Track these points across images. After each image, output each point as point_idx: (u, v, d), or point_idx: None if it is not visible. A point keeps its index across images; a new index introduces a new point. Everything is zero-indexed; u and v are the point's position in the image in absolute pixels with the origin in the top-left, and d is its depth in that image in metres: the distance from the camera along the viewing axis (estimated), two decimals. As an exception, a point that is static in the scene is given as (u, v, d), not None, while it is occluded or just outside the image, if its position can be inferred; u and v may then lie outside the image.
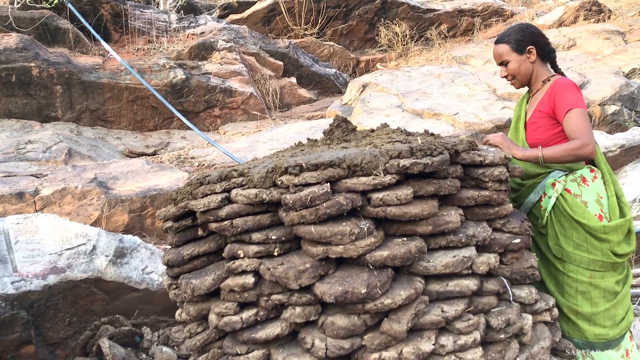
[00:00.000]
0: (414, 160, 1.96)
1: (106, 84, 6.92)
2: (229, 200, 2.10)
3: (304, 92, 8.80)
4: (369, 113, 6.58)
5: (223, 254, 2.15)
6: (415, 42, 11.39)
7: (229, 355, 2.10)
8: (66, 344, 4.46)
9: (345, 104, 7.70)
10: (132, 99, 7.13)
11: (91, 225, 4.72)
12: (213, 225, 2.09)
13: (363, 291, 1.83)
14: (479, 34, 11.41)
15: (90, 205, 4.86)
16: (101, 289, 4.40)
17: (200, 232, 2.25)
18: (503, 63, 2.62)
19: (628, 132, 6.02)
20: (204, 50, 7.92)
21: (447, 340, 1.93)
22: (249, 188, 2.05)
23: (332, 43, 10.59)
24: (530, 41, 2.58)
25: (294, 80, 8.74)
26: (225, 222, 2.05)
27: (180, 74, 7.32)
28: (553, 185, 2.48)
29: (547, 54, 2.63)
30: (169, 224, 2.28)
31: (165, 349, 4.07)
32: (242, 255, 2.04)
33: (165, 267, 2.29)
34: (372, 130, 2.48)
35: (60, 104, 6.81)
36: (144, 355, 4.29)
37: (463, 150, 2.14)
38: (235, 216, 2.05)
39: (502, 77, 2.67)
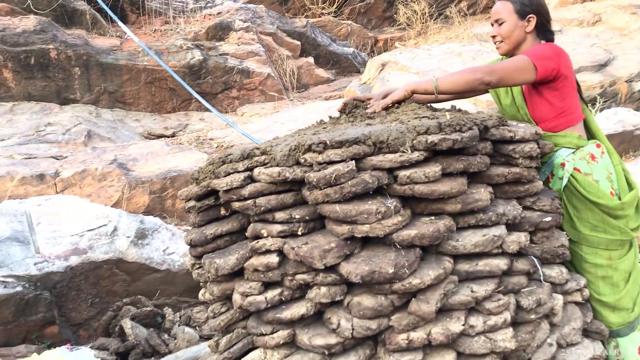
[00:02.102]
0: (442, 136, 1.90)
1: (124, 65, 6.91)
2: (251, 179, 2.06)
3: (321, 72, 8.72)
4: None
5: (246, 234, 2.11)
6: (435, 20, 11.20)
7: (254, 335, 2.07)
8: (89, 324, 4.50)
9: (364, 83, 7.61)
10: (150, 80, 7.12)
11: (111, 206, 4.73)
12: (236, 205, 2.06)
13: (390, 271, 1.79)
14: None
15: (111, 186, 4.87)
16: (123, 270, 4.42)
17: (222, 212, 2.22)
18: (498, 21, 2.45)
19: (656, 110, 5.87)
20: (221, 31, 7.86)
21: (476, 321, 1.88)
22: (271, 166, 2.01)
23: (349, 22, 10.46)
24: (534, 10, 2.42)
25: (311, 60, 8.66)
26: (249, 201, 2.01)
27: (197, 55, 7.28)
28: (562, 165, 2.36)
29: (545, 30, 2.48)
30: (192, 203, 2.24)
31: (187, 329, 4.08)
32: (265, 235, 2.01)
33: (188, 247, 2.26)
34: (398, 107, 2.41)
35: (78, 86, 6.82)
36: (165, 336, 4.31)
37: (493, 126, 2.07)
38: (258, 195, 2.01)
39: (491, 36, 2.51)
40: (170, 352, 4.08)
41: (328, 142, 1.90)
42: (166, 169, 5.13)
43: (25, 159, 5.13)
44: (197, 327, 4.33)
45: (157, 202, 5.05)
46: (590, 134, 2.50)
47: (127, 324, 4.05)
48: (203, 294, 2.33)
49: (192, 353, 3.90)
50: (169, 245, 4.64)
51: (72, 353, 3.78)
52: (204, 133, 6.09)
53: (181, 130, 6.92)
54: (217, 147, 5.63)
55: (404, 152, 1.90)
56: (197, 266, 2.28)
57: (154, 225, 4.66)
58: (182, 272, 4.60)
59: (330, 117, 2.61)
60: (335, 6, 10.16)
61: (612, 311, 2.28)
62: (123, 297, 4.46)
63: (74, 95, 6.85)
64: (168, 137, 6.54)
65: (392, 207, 1.87)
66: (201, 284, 2.38)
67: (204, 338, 4.18)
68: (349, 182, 1.84)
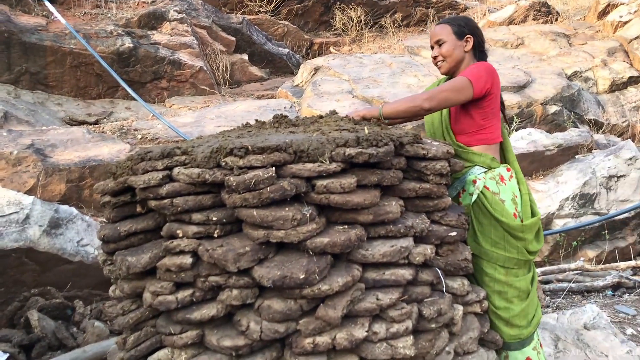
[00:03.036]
0: (359, 150, 1.98)
1: (49, 46, 6.63)
2: (170, 179, 2.06)
3: (255, 70, 8.70)
4: (319, 97, 6.57)
5: (161, 233, 2.11)
6: (370, 28, 11.42)
7: (162, 334, 2.07)
8: (-8, 314, 4.29)
9: (297, 85, 7.67)
10: (76, 64, 6.86)
11: (25, 193, 4.54)
12: (153, 203, 2.05)
13: (301, 276, 1.84)
14: (432, 25, 11.55)
15: (26, 172, 4.68)
16: (33, 260, 4.26)
17: (138, 209, 2.20)
18: (439, 43, 2.62)
19: (566, 133, 6.27)
20: (154, 20, 7.69)
21: (380, 328, 1.97)
22: (192, 167, 2.02)
23: (286, 22, 10.48)
24: (470, 31, 2.62)
25: (245, 57, 8.62)
26: (166, 201, 2.01)
27: (128, 42, 7.09)
28: (474, 182, 2.52)
29: (480, 50, 2.67)
30: (107, 198, 2.22)
31: (97, 323, 3.99)
32: (181, 235, 2.01)
33: (100, 242, 2.22)
34: (321, 117, 2.48)
35: (-3, 63, 6.49)
36: (75, 329, 4.19)
37: (407, 143, 2.17)
38: (176, 195, 2.02)
39: (433, 58, 2.67)
40: (78, 346, 3.97)
41: (250, 147, 1.94)
42: (86, 157, 4.98)
43: None
44: (108, 322, 4.23)
45: (74, 191, 4.89)
46: (504, 159, 2.67)
47: (33, 316, 3.92)
48: (114, 290, 2.30)
49: (101, 348, 3.82)
50: (84, 237, 4.51)
51: (-29, 345, 3.61)
52: (128, 123, 5.94)
53: (105, 117, 6.72)
54: (141, 138, 5.51)
55: (322, 162, 1.96)
56: (109, 262, 2.25)
57: (69, 215, 4.52)
58: (96, 264, 4.49)
59: (257, 121, 2.65)
60: (272, 5, 10.16)
61: (505, 325, 2.45)
62: (31, 288, 4.30)
63: (-8, 73, 6.51)
64: (91, 124, 6.33)
65: (308, 215, 1.92)
66: (112, 280, 2.35)
67: (114, 333, 4.09)
68: (268, 188, 1.89)
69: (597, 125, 7.55)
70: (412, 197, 2.19)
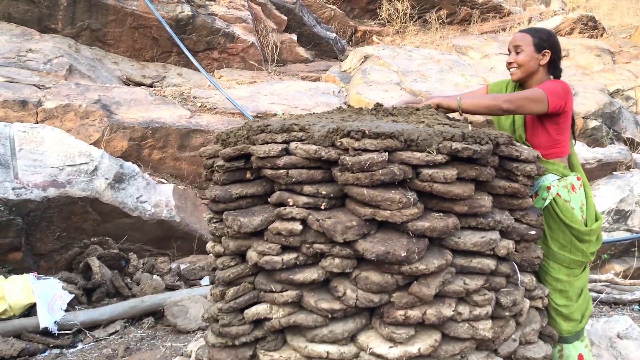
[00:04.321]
0: (465, 145, 2.15)
1: (112, 5, 6.80)
2: (286, 152, 2.25)
3: (302, 51, 8.84)
4: (368, 85, 6.73)
5: (269, 199, 2.30)
6: (414, 22, 11.50)
7: (261, 290, 2.27)
8: (51, 257, 4.55)
9: (344, 71, 7.81)
10: (135, 26, 7.04)
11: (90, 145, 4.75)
12: (268, 172, 2.24)
13: (403, 254, 2.03)
14: (475, 26, 11.61)
15: (92, 126, 4.89)
16: (96, 210, 4.49)
17: (248, 175, 2.39)
18: (517, 50, 2.74)
19: (606, 149, 6.39)
20: (213, -9, 7.84)
21: (464, 309, 2.17)
22: (308, 144, 2.20)
23: (334, 7, 10.59)
24: (550, 46, 2.74)
25: (294, 37, 8.76)
26: (282, 171, 2.20)
27: (187, 10, 7.25)
28: (548, 188, 2.69)
29: (555, 66, 2.80)
30: (220, 162, 2.40)
31: (155, 277, 4.21)
32: (291, 204, 2.20)
33: (210, 201, 2.41)
34: (417, 110, 2.65)
35: (62, 17, 6.67)
36: (128, 280, 4.42)
37: (503, 143, 2.34)
38: (291, 167, 2.20)
39: (508, 63, 2.78)
40: (133, 296, 4.21)
41: (367, 131, 2.12)
42: (149, 118, 5.18)
43: (7, 82, 5.03)
44: (160, 276, 4.46)
45: (134, 150, 5.10)
46: (571, 166, 2.84)
47: (94, 262, 4.15)
48: (212, 247, 2.49)
49: (158, 300, 4.06)
50: (143, 194, 4.74)
51: (41, 281, 3.86)
52: (187, 89, 6.12)
53: (159, 81, 6.91)
54: (200, 106, 5.69)
55: (429, 152, 2.14)
56: (215, 220, 2.45)
57: (131, 171, 4.74)
58: (152, 221, 4.72)
59: (349, 106, 2.82)
60: (323, -12, 10.27)
61: (564, 320, 2.64)
62: (91, 236, 4.54)
63: (56, 25, 6.69)
64: (147, 86, 6.52)
65: (412, 199, 2.11)
66: (211, 237, 2.55)
67: (168, 287, 4.32)
68: (380, 170, 2.07)
69: (633, 145, 7.66)
70: (500, 194, 2.36)
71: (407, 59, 7.76)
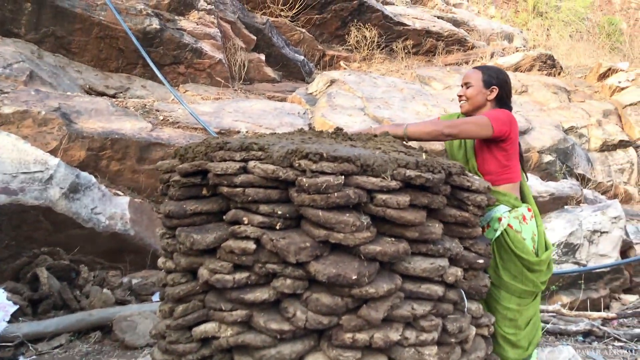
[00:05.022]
0: (419, 173, 2.21)
1: (79, 14, 6.73)
2: (244, 170, 2.26)
3: (269, 71, 8.90)
4: (333, 109, 6.81)
5: (224, 217, 2.30)
6: (381, 50, 11.72)
7: (211, 309, 2.26)
8: (-3, 265, 4.39)
9: (311, 93, 7.89)
10: (102, 35, 6.98)
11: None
12: (225, 190, 2.24)
13: (354, 277, 2.06)
14: (439, 57, 11.91)
15: (50, 134, 4.80)
16: (48, 219, 4.40)
17: (204, 192, 2.39)
18: (467, 84, 2.92)
19: (559, 183, 6.61)
20: (183, 6, 7.84)
21: (411, 334, 2.20)
22: (267, 163, 2.22)
23: (303, 30, 10.70)
24: (498, 83, 2.90)
25: (262, 57, 8.82)
26: (238, 189, 2.21)
27: (155, 24, 7.23)
28: (499, 219, 2.78)
29: (504, 102, 2.95)
30: (176, 177, 2.40)
31: (105, 290, 4.13)
32: (246, 222, 2.21)
33: (164, 216, 2.40)
34: (375, 135, 2.71)
35: (26, 22, 6.56)
36: (77, 292, 4.33)
37: (455, 173, 2.41)
38: (249, 186, 2.22)
39: (458, 96, 2.97)
40: (82, 309, 4.11)
41: (324, 154, 2.15)
42: (110, 129, 5.12)
43: (-37, 84, 4.91)
44: (110, 290, 4.37)
45: (92, 160, 5.02)
46: (522, 197, 2.94)
47: (43, 273, 4.06)
48: (164, 262, 2.47)
49: (107, 313, 3.98)
50: (98, 205, 4.66)
51: (-16, 291, 3.73)
52: (150, 102, 6.08)
53: (122, 92, 6.84)
54: (162, 119, 5.66)
55: (384, 178, 2.19)
56: (168, 236, 2.44)
57: (87, 182, 4.67)
58: (106, 233, 4.64)
59: (311, 129, 2.86)
60: (293, 11, 10.38)
61: (512, 347, 2.70)
62: (41, 246, 4.43)
63: (18, 30, 6.57)
64: (110, 96, 6.45)
65: (365, 223, 2.15)
66: (163, 253, 2.53)
67: (118, 302, 4.24)
68: (336, 193, 2.10)
69: (584, 180, 7.94)
70: (450, 223, 2.42)
71: (372, 86, 7.90)
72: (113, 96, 6.55)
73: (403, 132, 2.74)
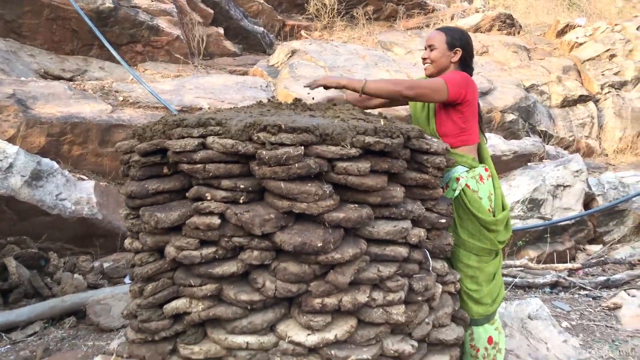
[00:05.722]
0: (377, 139, 2.24)
1: (27, -5, 6.52)
2: (203, 146, 2.26)
3: (229, 45, 8.77)
4: (296, 79, 6.78)
5: (187, 194, 2.31)
6: (341, 17, 11.63)
7: (181, 285, 2.28)
8: (-37, 258, 4.33)
9: (272, 65, 7.83)
10: (53, 17, 6.77)
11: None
12: (185, 167, 2.25)
13: (319, 244, 2.10)
14: (400, 22, 11.88)
15: (6, 121, 4.69)
16: (12, 209, 4.33)
17: (165, 171, 2.39)
18: (431, 47, 2.91)
19: (521, 141, 6.74)
20: (136, -18, 7.63)
21: (378, 295, 2.26)
22: (225, 138, 2.23)
23: (261, 1, 10.53)
24: (461, 45, 2.91)
25: (221, 30, 8.67)
26: (198, 166, 2.22)
27: (108, 2, 7.03)
28: (457, 180, 2.83)
29: (467, 64, 2.96)
30: (136, 157, 2.39)
31: (76, 276, 4.11)
32: (209, 198, 2.22)
33: (126, 197, 2.39)
34: (334, 104, 2.72)
35: (-28, 7, 6.33)
36: (48, 279, 4.30)
37: (414, 137, 2.45)
38: (209, 161, 2.22)
39: (423, 58, 2.96)
40: (53, 296, 4.09)
41: (283, 126, 2.17)
42: (68, 113, 5.02)
43: None
44: (82, 275, 4.35)
45: (53, 146, 4.93)
46: (481, 158, 3.00)
47: (11, 263, 4.02)
48: (131, 243, 2.47)
49: (79, 299, 3.97)
50: (62, 191, 4.61)
51: (-49, 285, 3.67)
52: (109, 83, 5.96)
53: (79, 75, 6.68)
54: (122, 100, 5.56)
55: (344, 146, 2.21)
56: (132, 216, 2.43)
57: (50, 168, 4.59)
58: (73, 219, 4.60)
59: (270, 101, 2.86)
60: (250, -18, 10.20)
61: (475, 304, 2.79)
62: (7, 236, 4.37)
63: (-36, 15, 6.34)
64: (66, 79, 6.30)
65: (328, 192, 2.18)
66: (129, 233, 2.53)
67: (90, 286, 4.22)
68: (296, 164, 2.12)
69: (546, 137, 8.10)
70: (412, 185, 2.47)
71: (334, 54, 7.87)
72: (70, 79, 6.40)
73: (360, 88, 2.69)
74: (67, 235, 4.61)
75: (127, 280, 4.38)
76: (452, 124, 2.84)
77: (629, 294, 4.80)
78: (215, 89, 6.30)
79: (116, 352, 2.52)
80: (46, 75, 6.29)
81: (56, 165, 4.60)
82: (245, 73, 8.00)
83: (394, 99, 2.94)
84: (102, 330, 3.79)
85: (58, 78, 6.27)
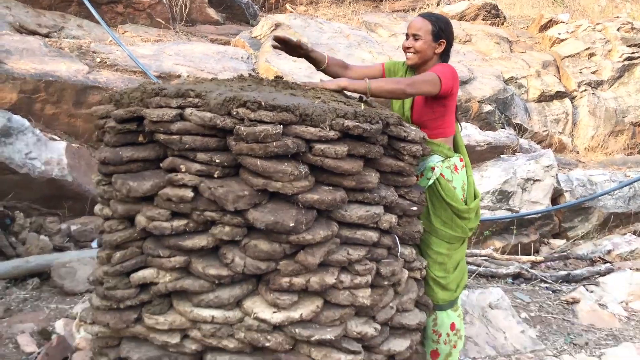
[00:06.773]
0: (356, 123, 2.25)
1: (4, -56, 6.29)
2: (181, 117, 2.24)
3: (212, 13, 8.62)
4: (278, 54, 6.70)
5: (161, 165, 2.29)
6: (328, -7, 11.52)
7: (149, 255, 2.28)
8: None
9: (255, 37, 7.73)
10: (32, -32, 6.56)
11: (-26, 96, 4.43)
12: (161, 137, 2.22)
13: (291, 224, 2.11)
14: (387, 3, 11.81)
15: (-23, 74, 4.55)
16: (-22, 165, 4.22)
17: (141, 139, 2.36)
18: (415, 36, 2.85)
19: (496, 133, 6.81)
20: (120, -60, 7.42)
21: (345, 278, 2.29)
22: (204, 111, 2.21)
23: (248, -30, 10.37)
24: (446, 37, 2.89)
25: (205, -3, 8.52)
26: (175, 137, 2.19)
27: (90, -42, 6.83)
28: (432, 169, 2.86)
29: (447, 54, 2.96)
30: (112, 123, 2.35)
31: (42, 237, 4.06)
32: (184, 170, 2.21)
33: (99, 163, 2.36)
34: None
35: (-55, -48, 6.08)
36: (13, 239, 4.23)
37: (392, 124, 2.46)
38: (185, 133, 2.20)
39: (405, 48, 2.89)
40: (18, 256, 4.04)
41: (263, 103, 2.15)
42: (43, 70, 4.89)
43: None
44: (48, 237, 4.30)
45: (25, 103, 4.82)
46: (455, 147, 3.03)
47: (-25, 220, 3.92)
48: (101, 210, 2.44)
49: (45, 260, 3.93)
50: (32, 150, 4.52)
51: None
52: (87, 43, 5.82)
53: (56, 32, 6.50)
54: (100, 62, 5.44)
55: (323, 128, 2.21)
56: (104, 183, 2.40)
57: (20, 125, 4.50)
58: (42, 179, 4.53)
59: (251, 75, 2.83)
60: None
61: (441, 289, 2.85)
62: (-28, 192, 4.26)
63: (-62, -40, 6.10)
64: (42, 35, 6.12)
65: (303, 172, 2.18)
66: (99, 199, 2.50)
67: (56, 248, 4.18)
68: (274, 142, 2.12)
69: (521, 130, 8.20)
70: (387, 172, 2.49)
71: (317, 31, 7.80)
72: (46, 35, 6.23)
73: (366, 89, 2.60)
74: (35, 195, 4.53)
75: (94, 244, 4.33)
76: (432, 116, 2.86)
77: (587, 290, 4.94)
78: (195, 57, 6.21)
79: (80, 317, 2.52)
80: (21, 30, 6.11)
81: (27, 123, 4.50)
82: (226, 43, 7.88)
83: (393, 98, 2.92)
84: (65, 294, 3.76)
85: (33, 33, 6.09)
